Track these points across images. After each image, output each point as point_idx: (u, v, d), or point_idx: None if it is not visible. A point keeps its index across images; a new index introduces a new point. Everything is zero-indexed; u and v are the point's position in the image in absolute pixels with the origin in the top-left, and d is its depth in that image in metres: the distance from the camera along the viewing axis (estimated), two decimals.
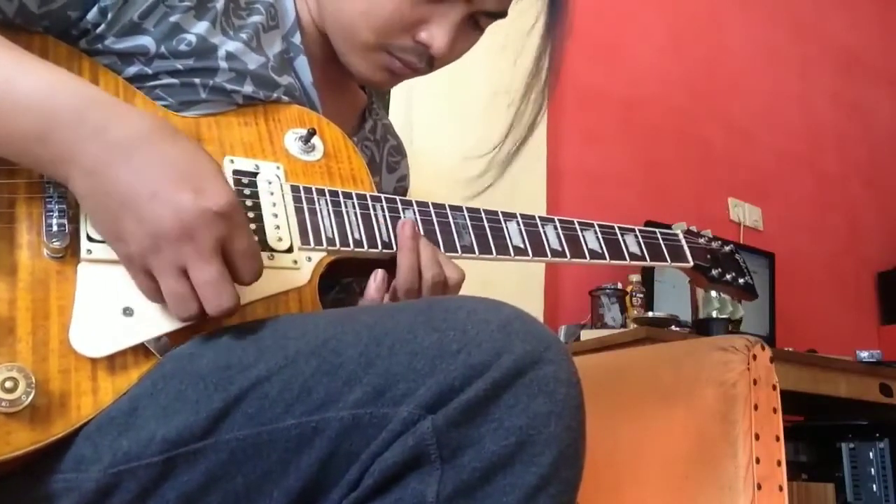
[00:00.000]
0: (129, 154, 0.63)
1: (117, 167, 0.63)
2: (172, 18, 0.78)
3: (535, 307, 2.30)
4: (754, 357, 0.99)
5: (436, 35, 0.85)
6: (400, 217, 0.84)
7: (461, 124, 2.30)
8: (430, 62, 0.89)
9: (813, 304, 3.13)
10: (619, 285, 2.40)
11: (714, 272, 1.07)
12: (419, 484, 0.55)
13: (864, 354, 2.55)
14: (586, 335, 2.25)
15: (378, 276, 0.81)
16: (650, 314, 2.30)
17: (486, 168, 0.99)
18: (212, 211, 0.63)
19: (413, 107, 2.26)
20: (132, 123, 0.65)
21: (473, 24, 0.90)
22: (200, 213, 0.62)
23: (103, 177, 0.63)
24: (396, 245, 0.82)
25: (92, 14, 0.76)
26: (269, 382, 0.60)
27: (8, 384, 0.58)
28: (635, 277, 2.41)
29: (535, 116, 0.96)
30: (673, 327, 2.21)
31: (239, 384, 0.60)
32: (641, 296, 2.39)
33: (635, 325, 2.21)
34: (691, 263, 1.03)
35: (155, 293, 0.65)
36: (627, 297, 2.39)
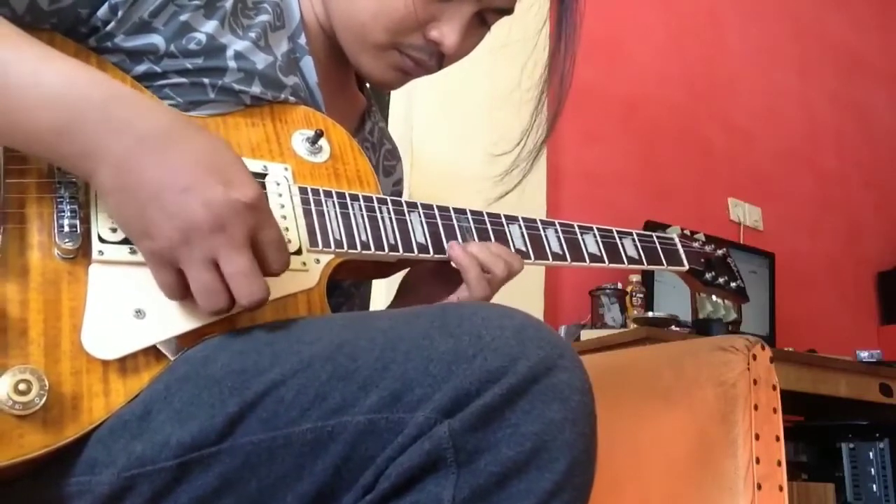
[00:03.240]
0: (155, 149, 0.63)
1: (144, 162, 0.63)
2: (182, 17, 0.78)
3: (535, 307, 2.30)
4: (754, 357, 0.99)
5: (446, 32, 0.86)
6: (405, 219, 0.84)
7: (461, 124, 2.30)
8: (439, 60, 0.90)
9: (813, 304, 3.13)
10: (619, 285, 2.40)
11: (708, 276, 1.08)
12: (435, 487, 0.56)
13: (864, 354, 2.56)
14: (586, 335, 2.25)
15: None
16: (650, 314, 2.30)
17: (511, 167, 1.00)
18: (242, 203, 0.63)
19: (413, 107, 2.26)
20: (156, 118, 0.65)
21: (481, 21, 0.91)
22: (231, 205, 0.63)
23: (130, 172, 0.63)
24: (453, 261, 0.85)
25: (102, 11, 0.76)
26: (285, 387, 0.60)
27: (21, 386, 0.58)
28: (635, 277, 2.41)
29: (555, 114, 0.97)
30: (673, 327, 2.22)
31: (254, 388, 0.60)
32: (641, 296, 2.39)
33: (635, 325, 2.21)
34: (686, 267, 1.05)
35: (176, 289, 0.65)
36: (627, 297, 2.39)
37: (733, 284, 1.12)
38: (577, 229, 0.96)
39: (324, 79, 0.93)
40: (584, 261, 0.94)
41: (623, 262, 0.97)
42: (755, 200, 3.10)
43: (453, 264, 0.85)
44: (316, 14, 0.93)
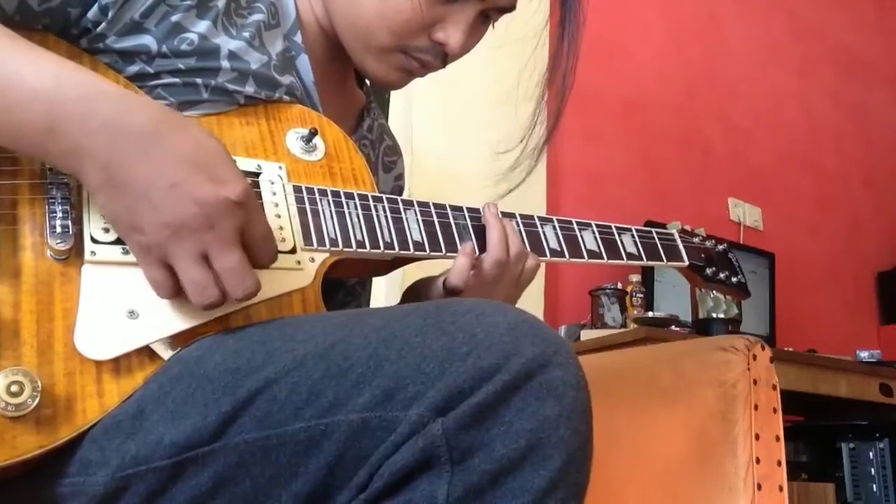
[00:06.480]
0: (141, 146, 0.63)
1: (131, 159, 0.62)
2: (174, 18, 0.78)
3: (535, 307, 2.30)
4: (754, 357, 0.99)
5: (452, 34, 0.86)
6: (401, 217, 0.84)
7: (461, 123, 2.30)
8: (444, 59, 0.90)
9: (813, 304, 3.13)
10: (619, 285, 2.40)
11: (708, 271, 1.08)
12: (429, 486, 0.55)
13: (864, 354, 2.55)
14: (586, 335, 2.25)
15: (468, 247, 0.86)
16: (650, 314, 2.30)
17: (514, 164, 1.00)
18: (230, 200, 0.63)
19: (413, 106, 2.26)
20: (141, 114, 0.64)
21: (484, 19, 0.91)
22: (220, 202, 0.63)
23: (117, 169, 0.62)
24: (484, 223, 0.89)
25: (92, 12, 0.75)
26: (278, 385, 0.60)
27: (13, 388, 0.58)
28: (635, 277, 2.41)
29: (558, 112, 0.96)
30: (673, 327, 2.21)
31: (247, 387, 0.60)
32: (641, 296, 2.39)
33: (635, 325, 2.21)
34: (686, 262, 1.05)
35: (165, 286, 0.65)
36: (627, 297, 2.39)
37: (734, 279, 1.12)
38: (575, 226, 0.96)
39: (321, 77, 0.92)
40: (583, 257, 0.94)
41: (622, 259, 0.97)
42: (755, 200, 3.10)
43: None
44: (315, 13, 0.93)
